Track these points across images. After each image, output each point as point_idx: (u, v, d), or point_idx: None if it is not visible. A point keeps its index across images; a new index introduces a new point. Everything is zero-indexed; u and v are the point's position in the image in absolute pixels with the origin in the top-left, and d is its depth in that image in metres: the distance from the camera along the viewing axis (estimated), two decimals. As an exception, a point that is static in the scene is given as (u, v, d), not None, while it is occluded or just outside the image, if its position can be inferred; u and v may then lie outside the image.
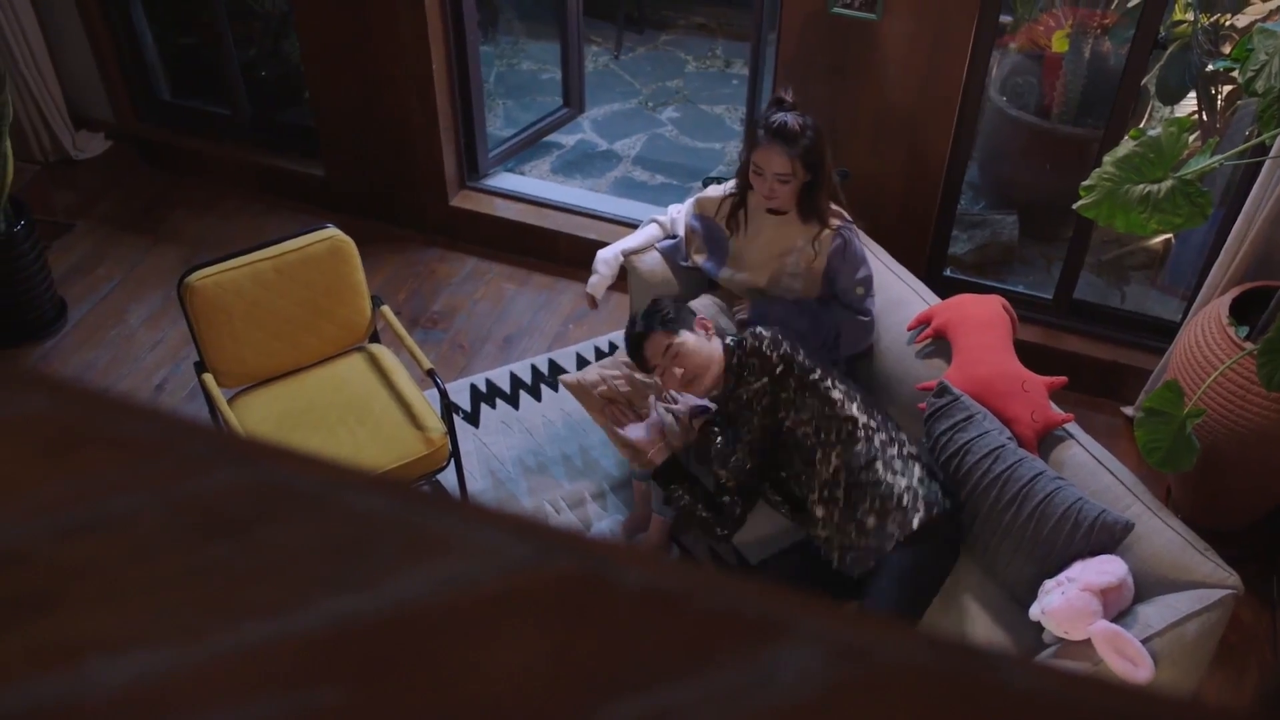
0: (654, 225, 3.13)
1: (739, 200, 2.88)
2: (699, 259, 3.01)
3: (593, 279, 3.06)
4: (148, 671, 0.41)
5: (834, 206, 2.84)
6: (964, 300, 2.83)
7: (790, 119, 2.69)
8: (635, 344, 2.65)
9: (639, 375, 2.81)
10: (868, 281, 2.85)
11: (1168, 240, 4.02)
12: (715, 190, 2.97)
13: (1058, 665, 0.41)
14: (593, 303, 3.09)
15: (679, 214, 3.09)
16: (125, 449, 0.50)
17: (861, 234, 2.93)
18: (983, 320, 2.74)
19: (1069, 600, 2.19)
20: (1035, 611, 2.28)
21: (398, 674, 0.43)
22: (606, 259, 3.07)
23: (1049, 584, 2.30)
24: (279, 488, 0.49)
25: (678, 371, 2.55)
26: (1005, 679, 0.42)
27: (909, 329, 2.90)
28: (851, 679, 0.42)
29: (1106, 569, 2.26)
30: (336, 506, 0.48)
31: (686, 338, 2.57)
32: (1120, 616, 2.29)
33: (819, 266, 2.84)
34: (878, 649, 0.43)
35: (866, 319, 2.87)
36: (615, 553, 0.47)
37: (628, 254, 3.08)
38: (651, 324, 2.61)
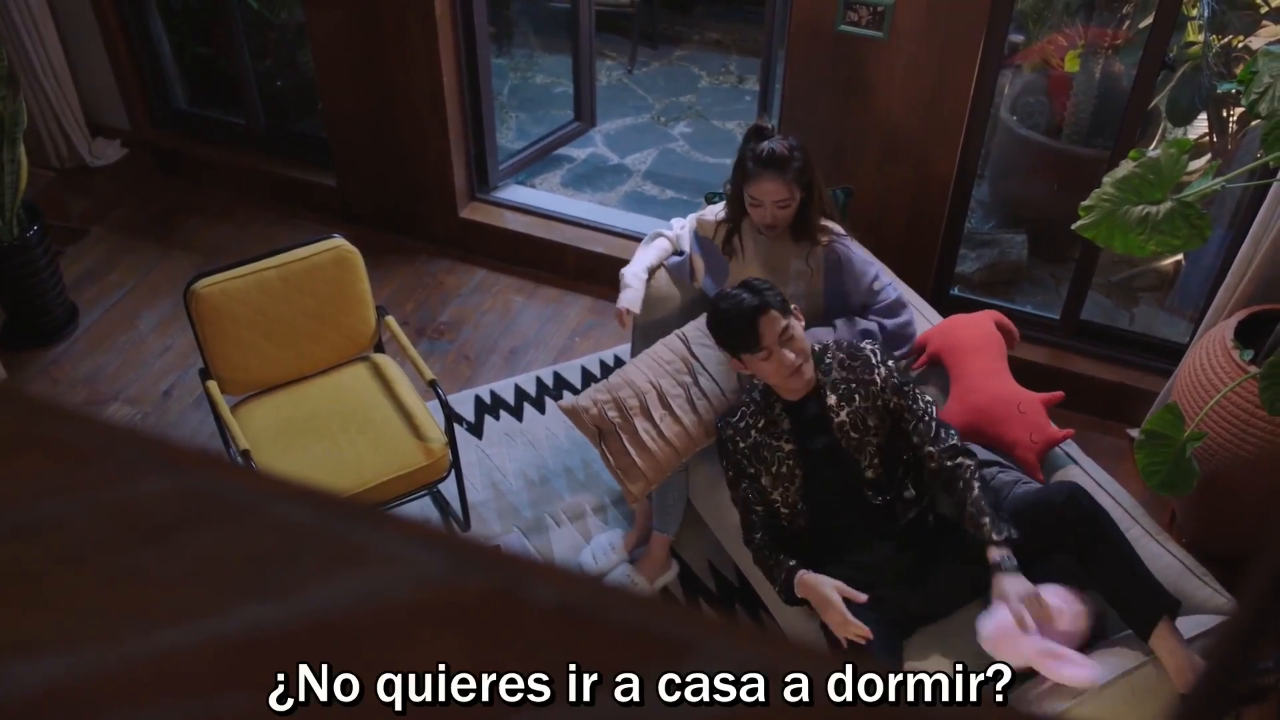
0: (663, 240, 3.11)
1: (733, 227, 2.88)
2: (700, 279, 3.00)
3: (627, 294, 2.93)
4: (65, 673, 0.42)
5: (825, 223, 2.83)
6: (955, 324, 2.81)
7: (777, 145, 2.70)
8: (746, 319, 2.41)
9: (632, 399, 2.78)
10: (880, 275, 2.84)
11: (1178, 262, 4.00)
12: (711, 214, 2.97)
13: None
14: (623, 319, 2.93)
15: (684, 229, 3.09)
16: (60, 454, 0.51)
17: (856, 244, 2.90)
18: (974, 345, 2.73)
19: (997, 624, 2.19)
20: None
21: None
22: (636, 273, 2.98)
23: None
24: (208, 496, 0.49)
25: (791, 356, 2.42)
26: (915, 708, 0.42)
27: (904, 358, 2.88)
28: (753, 701, 0.42)
29: (1052, 598, 2.25)
30: (263, 516, 0.49)
31: (794, 322, 2.47)
32: (1096, 645, 2.29)
33: (818, 285, 2.83)
34: (780, 670, 0.43)
35: (905, 316, 2.84)
36: (530, 568, 0.47)
37: (652, 270, 3.03)
38: (768, 300, 2.43)
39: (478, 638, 0.44)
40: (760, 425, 2.54)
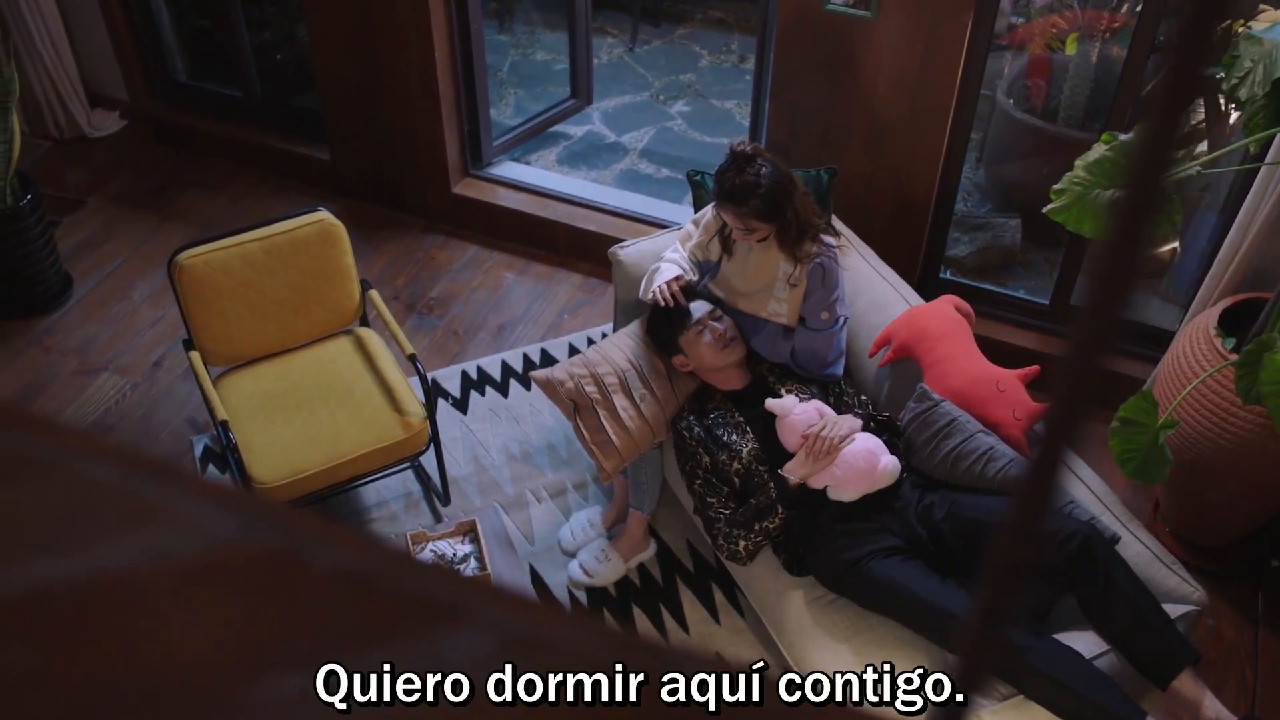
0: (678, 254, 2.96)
1: (727, 229, 2.79)
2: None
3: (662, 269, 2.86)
4: None
5: (825, 238, 2.74)
6: (917, 314, 2.78)
7: (739, 179, 2.58)
8: (679, 306, 2.76)
9: (611, 375, 2.78)
10: (833, 306, 2.76)
11: (1173, 248, 3.97)
12: (706, 237, 2.89)
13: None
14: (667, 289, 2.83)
15: (680, 257, 2.93)
16: None
17: (843, 256, 2.81)
18: (941, 331, 2.70)
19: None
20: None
21: (85, 639, 0.43)
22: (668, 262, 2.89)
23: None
24: (13, 453, 0.49)
25: (721, 326, 2.74)
26: (672, 664, 0.42)
27: (870, 355, 2.85)
28: (523, 666, 0.42)
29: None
30: (66, 473, 0.49)
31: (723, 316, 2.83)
32: None
33: (800, 292, 2.77)
34: (552, 639, 0.43)
35: (822, 331, 2.77)
36: (316, 531, 0.48)
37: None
38: (689, 299, 2.80)
39: (260, 598, 0.45)
40: (706, 410, 2.74)
